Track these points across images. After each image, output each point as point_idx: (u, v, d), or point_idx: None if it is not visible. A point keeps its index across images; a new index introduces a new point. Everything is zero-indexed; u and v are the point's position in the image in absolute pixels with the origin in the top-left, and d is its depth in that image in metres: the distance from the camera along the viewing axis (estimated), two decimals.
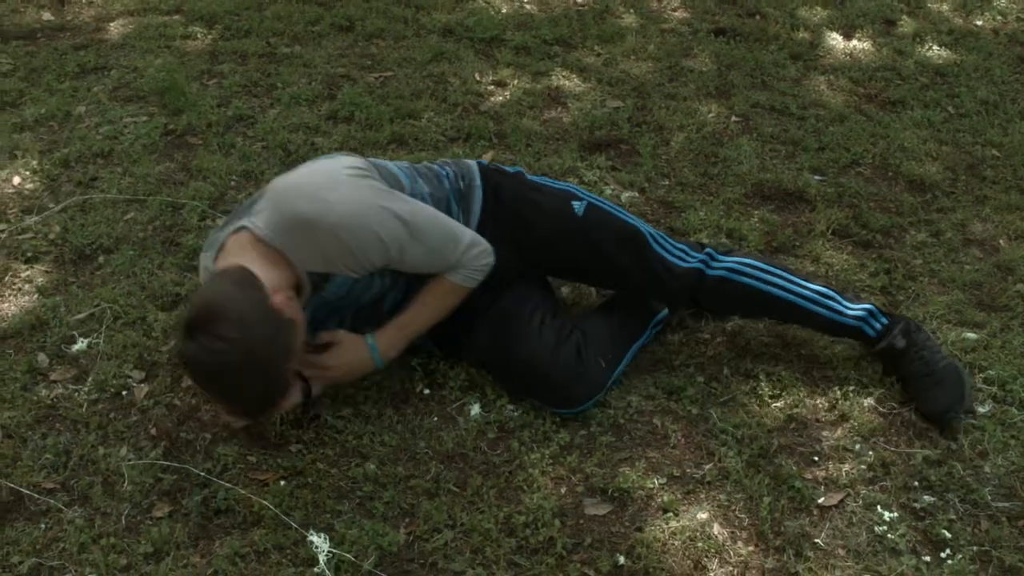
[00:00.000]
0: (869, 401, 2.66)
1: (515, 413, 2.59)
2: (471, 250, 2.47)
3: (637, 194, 3.61)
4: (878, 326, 2.69)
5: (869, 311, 2.70)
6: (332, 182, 2.34)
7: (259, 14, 4.98)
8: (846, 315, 2.68)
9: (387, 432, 2.53)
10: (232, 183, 3.58)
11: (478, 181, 2.66)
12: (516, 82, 4.35)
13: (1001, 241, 3.50)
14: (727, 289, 2.67)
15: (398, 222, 2.33)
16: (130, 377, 2.70)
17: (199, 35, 4.78)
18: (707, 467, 2.45)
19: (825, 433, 2.58)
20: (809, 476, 2.44)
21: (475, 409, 2.60)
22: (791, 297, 2.67)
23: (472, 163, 2.73)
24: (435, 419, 2.58)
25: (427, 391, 2.67)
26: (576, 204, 2.67)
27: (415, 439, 2.52)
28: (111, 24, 4.89)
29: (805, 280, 2.70)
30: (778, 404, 2.65)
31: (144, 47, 4.64)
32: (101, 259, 3.17)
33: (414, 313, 2.54)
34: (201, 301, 2.19)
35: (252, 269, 2.23)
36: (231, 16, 4.96)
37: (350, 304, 2.55)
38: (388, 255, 2.36)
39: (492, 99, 4.21)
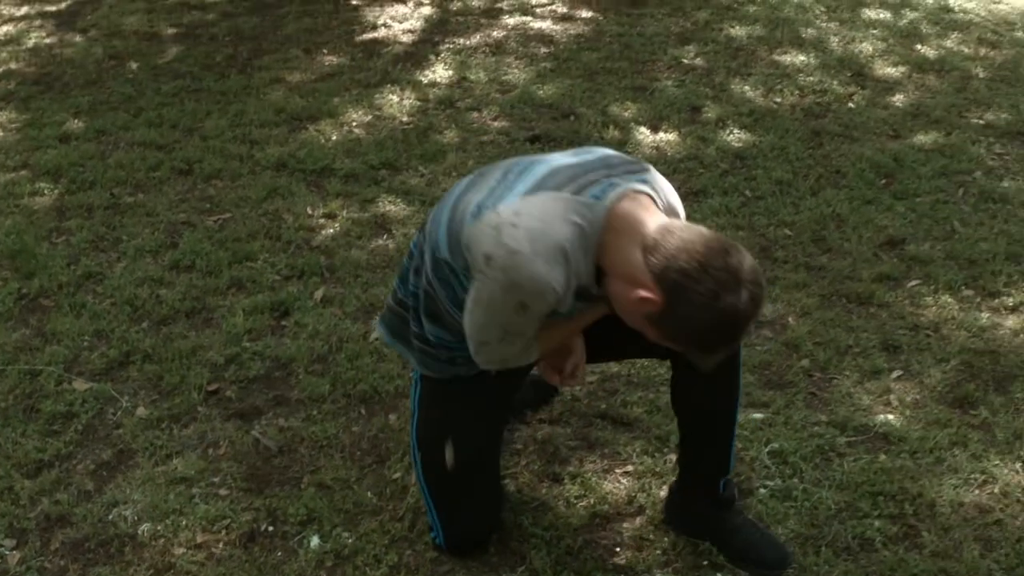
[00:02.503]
0: (662, 492, 3.01)
1: (349, 540, 2.89)
2: None
3: None
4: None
5: None
6: None
7: (102, 163, 5.24)
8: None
9: (237, 571, 2.80)
10: (85, 343, 3.83)
11: None
12: (345, 213, 4.68)
13: (790, 319, 3.91)
14: None
15: None
16: (2, 545, 2.93)
17: (46, 191, 5.01)
18: (520, 569, 2.78)
19: (625, 525, 2.92)
20: (611, 567, 2.78)
21: (314, 540, 2.89)
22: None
23: None
24: (279, 554, 2.87)
25: (271, 528, 2.96)
26: None
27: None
28: None
29: None
30: (583, 503, 3.00)
31: None
32: None
33: None
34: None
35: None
36: (76, 168, 5.20)
37: None
38: None
39: (323, 232, 4.53)
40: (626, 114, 5.70)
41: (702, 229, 2.21)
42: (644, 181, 2.36)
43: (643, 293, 2.16)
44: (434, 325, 2.53)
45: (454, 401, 2.62)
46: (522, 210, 2.23)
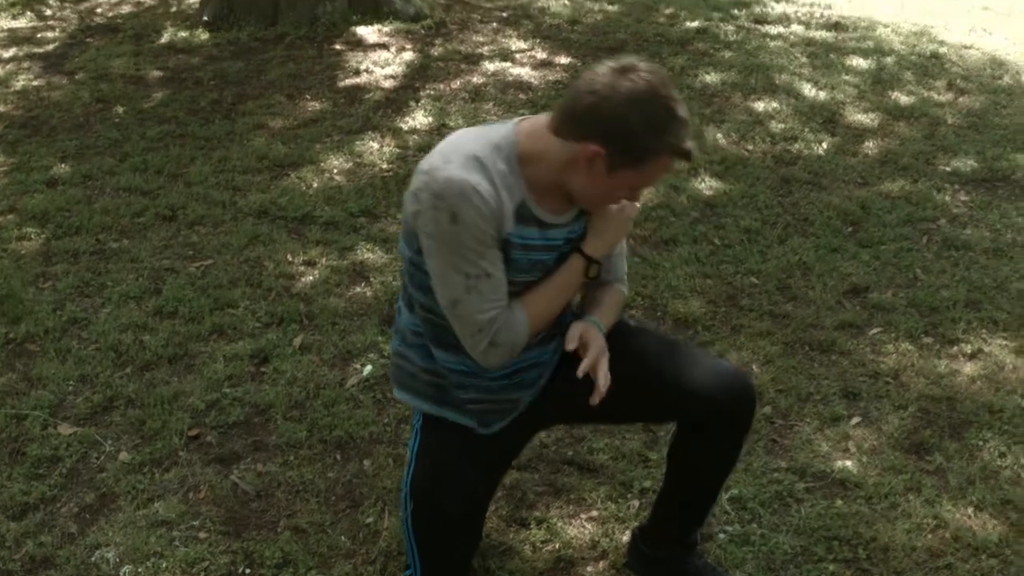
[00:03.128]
0: (625, 537, 3.12)
1: None
2: None
3: None
4: None
5: None
6: None
7: (88, 208, 5.35)
8: None
9: None
10: (70, 388, 3.94)
11: None
12: (324, 260, 4.80)
13: (754, 367, 4.04)
14: None
15: None
16: None
17: (33, 235, 5.11)
18: None
19: (589, 569, 3.04)
20: None
21: None
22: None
23: None
24: None
25: (248, 570, 3.06)
26: None
27: None
28: None
29: None
30: (548, 548, 3.11)
31: None
32: None
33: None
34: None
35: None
36: (63, 213, 5.32)
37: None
38: None
39: (303, 279, 4.66)
40: None
41: None
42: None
43: (582, 151, 2.28)
44: (442, 350, 2.54)
45: (453, 453, 2.59)
46: (434, 147, 2.41)
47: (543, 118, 2.38)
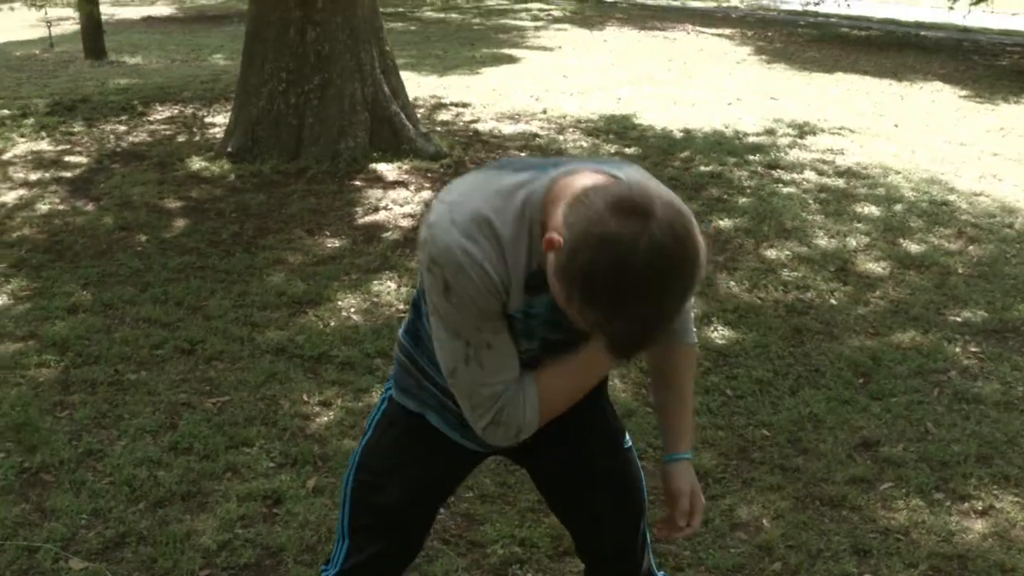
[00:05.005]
0: None
1: None
2: None
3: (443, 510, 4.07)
4: None
5: None
6: None
7: (108, 337, 5.43)
8: None
9: None
10: (83, 522, 3.95)
11: None
12: (340, 401, 4.85)
13: (764, 521, 4.05)
14: None
15: None
16: None
17: (52, 363, 5.17)
18: None
19: None
20: None
21: None
22: None
23: None
24: None
25: None
26: None
27: None
28: None
29: None
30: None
31: (0, 378, 5.02)
32: None
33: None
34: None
35: None
36: (82, 341, 5.38)
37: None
38: None
39: (318, 420, 4.70)
40: None
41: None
42: (612, 164, 2.07)
43: (550, 234, 1.87)
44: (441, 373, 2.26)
45: (411, 440, 2.41)
46: (451, 186, 2.09)
47: (588, 177, 1.94)
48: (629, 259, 1.72)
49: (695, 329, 2.48)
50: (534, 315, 2.10)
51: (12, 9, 13.58)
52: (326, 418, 4.73)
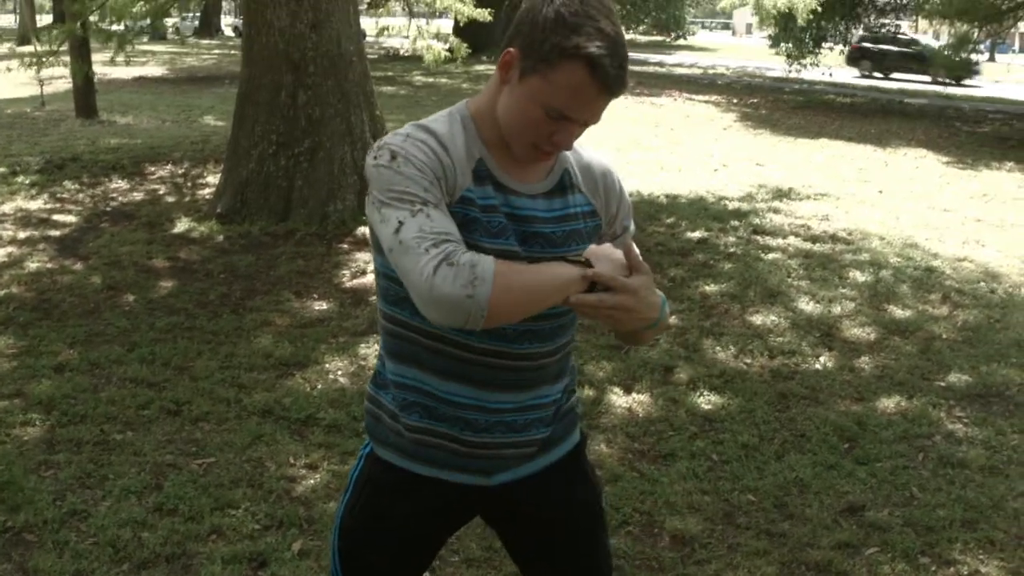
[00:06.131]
0: None
1: None
2: None
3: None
4: None
5: None
6: None
7: (94, 397, 5.42)
8: None
9: None
10: None
11: None
12: (326, 464, 4.83)
13: None
14: None
15: None
16: None
17: (37, 422, 5.16)
18: None
19: None
20: None
21: None
22: None
23: None
24: None
25: None
26: None
27: None
28: None
29: None
30: None
31: None
32: None
33: None
34: None
35: None
36: (68, 400, 5.38)
37: None
38: None
39: (304, 483, 4.69)
40: (600, 374, 5.93)
41: None
42: None
43: (500, 60, 2.13)
44: (395, 361, 2.32)
45: (392, 501, 2.39)
46: None
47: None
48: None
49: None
50: (495, 207, 2.17)
51: (9, 70, 13.65)
52: (312, 480, 4.72)
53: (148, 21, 14.96)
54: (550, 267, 2.10)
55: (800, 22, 17.09)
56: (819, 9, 17.36)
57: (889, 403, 5.70)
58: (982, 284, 7.83)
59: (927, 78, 31.69)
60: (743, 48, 57.23)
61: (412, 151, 2.10)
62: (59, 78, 16.24)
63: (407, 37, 18.98)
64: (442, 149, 2.13)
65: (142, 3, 13.59)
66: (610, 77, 2.04)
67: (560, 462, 2.44)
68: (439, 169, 2.11)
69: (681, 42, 60.51)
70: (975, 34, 21.91)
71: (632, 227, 2.46)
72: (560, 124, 2.11)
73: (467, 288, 1.98)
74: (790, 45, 26.70)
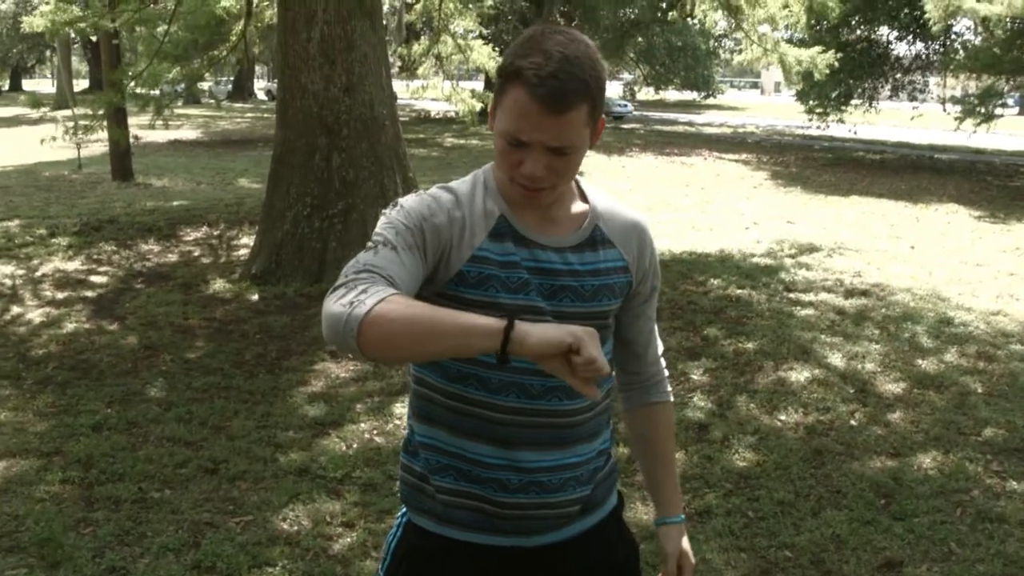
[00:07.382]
0: None
1: None
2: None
3: None
4: None
5: None
6: None
7: (132, 455, 5.47)
8: None
9: None
10: None
11: None
12: (363, 522, 4.85)
13: None
14: None
15: None
16: None
17: (76, 479, 5.20)
18: None
19: None
20: None
21: None
22: None
23: None
24: None
25: None
26: None
27: None
28: None
29: None
30: None
31: (24, 493, 5.05)
32: None
33: None
34: None
35: None
36: (106, 459, 5.43)
37: None
38: None
39: (341, 541, 4.70)
40: None
41: None
42: None
43: None
44: (420, 422, 2.34)
45: (429, 571, 2.36)
46: None
47: None
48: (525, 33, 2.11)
49: (670, 389, 2.66)
50: (515, 263, 2.18)
51: (53, 139, 13.91)
52: (349, 539, 4.73)
53: (183, 86, 15.20)
54: (463, 313, 1.95)
55: (818, 76, 17.13)
56: (836, 64, 17.39)
57: (925, 458, 5.67)
58: (1016, 337, 7.80)
59: None
60: (772, 107, 57.51)
61: (413, 204, 2.16)
62: (95, 141, 16.51)
63: (435, 100, 19.16)
64: (455, 206, 2.17)
65: (177, 68, 13.82)
66: (544, 88, 2.02)
67: (599, 524, 2.44)
68: (443, 222, 2.14)
69: (711, 101, 60.80)
70: (1003, 87, 21.93)
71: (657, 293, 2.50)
72: (521, 151, 2.10)
73: (347, 307, 1.92)
74: (815, 102, 26.76)
